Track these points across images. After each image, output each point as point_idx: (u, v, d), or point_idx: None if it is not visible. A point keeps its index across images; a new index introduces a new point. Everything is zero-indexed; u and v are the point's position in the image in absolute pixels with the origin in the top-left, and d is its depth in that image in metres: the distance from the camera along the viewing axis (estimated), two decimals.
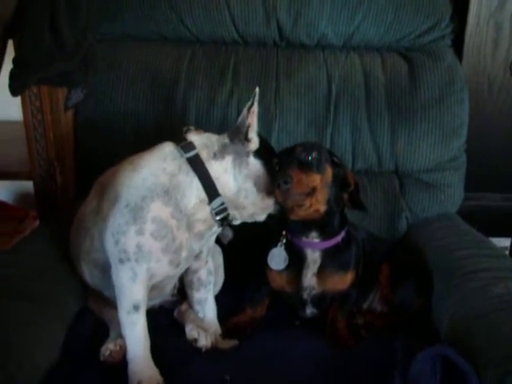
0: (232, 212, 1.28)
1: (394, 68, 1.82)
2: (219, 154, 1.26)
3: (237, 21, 1.79)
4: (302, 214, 1.30)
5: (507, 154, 1.97)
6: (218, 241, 1.43)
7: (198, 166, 1.23)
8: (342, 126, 1.77)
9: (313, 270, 1.39)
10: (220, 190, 1.24)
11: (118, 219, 1.18)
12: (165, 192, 1.20)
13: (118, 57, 1.82)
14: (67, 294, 1.39)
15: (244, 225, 1.37)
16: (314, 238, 1.37)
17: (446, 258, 1.51)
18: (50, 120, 1.73)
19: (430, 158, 1.76)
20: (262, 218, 1.35)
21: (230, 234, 1.36)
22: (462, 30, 1.85)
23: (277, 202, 1.30)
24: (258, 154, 1.28)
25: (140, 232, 1.17)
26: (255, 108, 1.26)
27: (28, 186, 2.02)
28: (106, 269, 1.25)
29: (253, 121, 1.26)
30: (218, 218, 1.26)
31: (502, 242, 1.99)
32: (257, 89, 1.25)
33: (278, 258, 1.40)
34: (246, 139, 1.26)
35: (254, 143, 1.28)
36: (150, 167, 1.22)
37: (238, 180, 1.26)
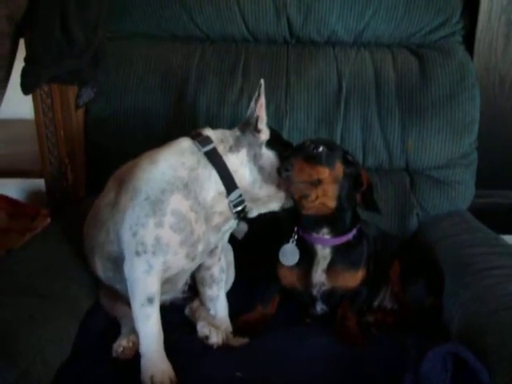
0: (248, 204, 1.30)
1: (405, 65, 1.81)
2: (235, 148, 1.29)
3: (247, 18, 1.80)
4: (309, 206, 1.32)
5: None
6: (231, 237, 1.43)
7: (216, 160, 1.25)
8: (352, 122, 1.77)
9: (323, 266, 1.39)
10: (237, 183, 1.27)
11: (136, 212, 1.19)
12: (184, 185, 1.21)
13: (128, 54, 1.82)
14: (78, 291, 1.40)
15: (255, 223, 1.37)
16: (324, 234, 1.38)
17: (457, 255, 1.51)
18: (61, 118, 1.74)
19: (441, 155, 1.76)
20: (276, 207, 1.37)
21: (245, 228, 1.38)
22: (472, 27, 1.84)
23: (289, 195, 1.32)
24: (270, 145, 1.31)
25: (159, 224, 1.18)
26: (262, 99, 1.28)
27: (39, 183, 2.03)
28: (119, 262, 1.25)
29: (261, 112, 1.29)
30: (235, 210, 1.27)
31: None
32: (261, 80, 1.27)
33: (289, 253, 1.41)
34: (256, 130, 1.29)
35: (265, 134, 1.31)
36: (168, 161, 1.23)
37: (253, 171, 1.29)
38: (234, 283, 1.54)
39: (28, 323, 1.17)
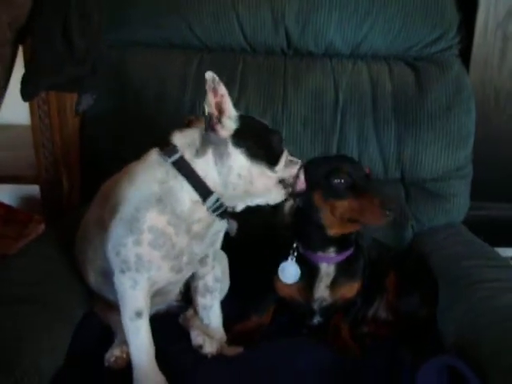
0: (229, 202, 1.22)
1: (401, 77, 1.82)
2: (201, 151, 1.18)
3: (245, 29, 1.80)
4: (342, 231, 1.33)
5: None
6: (225, 247, 1.42)
7: (183, 169, 1.17)
8: (348, 134, 1.78)
9: (326, 282, 1.38)
10: (212, 187, 1.18)
11: (116, 231, 1.18)
12: (158, 200, 1.16)
13: (126, 63, 1.83)
14: (73, 299, 1.39)
15: (250, 233, 1.35)
16: (331, 252, 1.37)
17: (452, 267, 1.51)
18: (58, 124, 1.74)
19: (437, 167, 1.77)
20: (262, 202, 1.25)
21: (234, 225, 1.31)
22: (469, 41, 1.85)
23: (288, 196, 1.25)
24: (238, 140, 1.18)
25: (138, 242, 1.16)
26: (223, 91, 1.18)
27: (32, 189, 2.03)
28: (110, 275, 1.24)
29: (225, 104, 1.19)
30: (216, 213, 1.20)
31: (508, 252, 1.98)
32: (207, 73, 1.19)
33: (289, 272, 1.38)
34: (212, 129, 1.17)
35: (227, 130, 1.17)
36: (141, 177, 1.20)
37: (223, 173, 1.18)
38: (229, 292, 1.53)
39: (23, 332, 1.17)
